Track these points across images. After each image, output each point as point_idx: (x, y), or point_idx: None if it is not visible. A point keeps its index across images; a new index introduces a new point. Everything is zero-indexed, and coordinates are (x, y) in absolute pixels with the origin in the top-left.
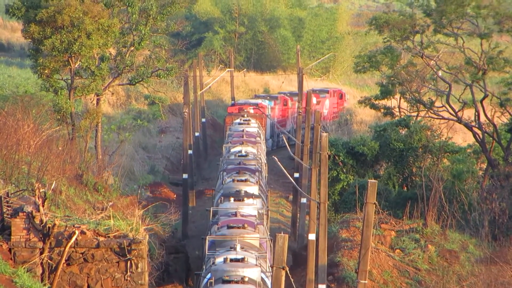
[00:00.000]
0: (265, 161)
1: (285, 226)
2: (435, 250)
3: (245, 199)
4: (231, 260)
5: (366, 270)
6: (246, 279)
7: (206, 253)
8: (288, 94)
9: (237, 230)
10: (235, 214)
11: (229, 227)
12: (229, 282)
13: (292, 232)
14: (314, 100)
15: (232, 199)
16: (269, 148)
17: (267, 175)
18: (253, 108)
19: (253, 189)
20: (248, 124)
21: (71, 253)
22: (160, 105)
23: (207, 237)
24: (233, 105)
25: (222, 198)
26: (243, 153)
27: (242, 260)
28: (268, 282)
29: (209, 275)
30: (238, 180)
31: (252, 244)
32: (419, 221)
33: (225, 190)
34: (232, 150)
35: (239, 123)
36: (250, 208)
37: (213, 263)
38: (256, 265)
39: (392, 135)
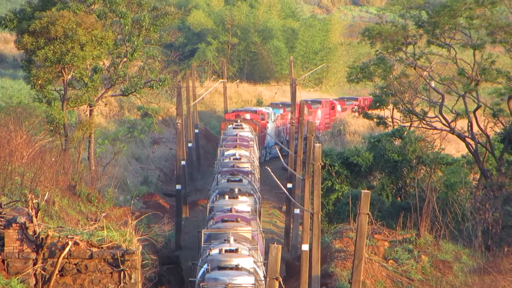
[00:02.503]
0: (258, 164)
1: (279, 236)
2: (428, 260)
3: (239, 196)
4: (226, 251)
5: (359, 280)
6: (240, 267)
7: (202, 245)
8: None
9: (231, 223)
10: (230, 210)
11: (223, 221)
12: (224, 268)
13: (285, 243)
14: (338, 107)
15: (227, 196)
16: (274, 155)
17: (259, 176)
18: (250, 114)
19: (246, 188)
20: (241, 128)
21: (64, 264)
22: (155, 116)
23: (203, 230)
24: (233, 111)
25: (218, 196)
26: (237, 156)
27: (235, 251)
28: (260, 271)
29: (205, 265)
30: (232, 181)
31: (245, 237)
32: (412, 231)
33: (220, 189)
34: (226, 153)
35: (233, 128)
36: (244, 204)
37: (209, 254)
38: (248, 255)
39: (386, 146)
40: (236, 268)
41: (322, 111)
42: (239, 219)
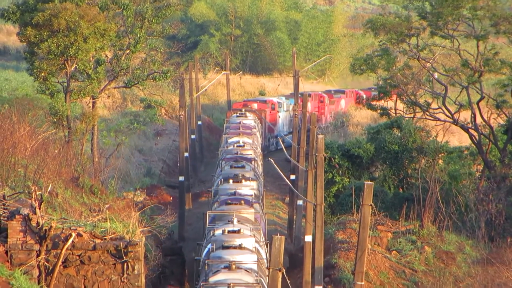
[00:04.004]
0: (260, 151)
1: (282, 228)
2: (431, 251)
3: (243, 181)
4: (229, 231)
5: (362, 271)
6: (243, 246)
7: (207, 226)
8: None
9: (234, 206)
10: (234, 194)
11: (227, 204)
12: (228, 248)
13: (288, 234)
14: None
15: (231, 181)
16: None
17: (262, 162)
18: (258, 104)
19: (249, 174)
20: (245, 117)
21: (67, 256)
22: (158, 108)
23: (208, 212)
24: (244, 101)
25: (222, 180)
26: (240, 143)
27: (238, 231)
28: (262, 250)
29: (209, 245)
30: (235, 167)
31: (247, 218)
32: (415, 222)
33: (224, 175)
34: (230, 140)
35: (237, 116)
36: (247, 188)
37: (213, 234)
38: (250, 235)
39: (386, 138)
40: (239, 247)
41: (345, 100)
42: (242, 202)
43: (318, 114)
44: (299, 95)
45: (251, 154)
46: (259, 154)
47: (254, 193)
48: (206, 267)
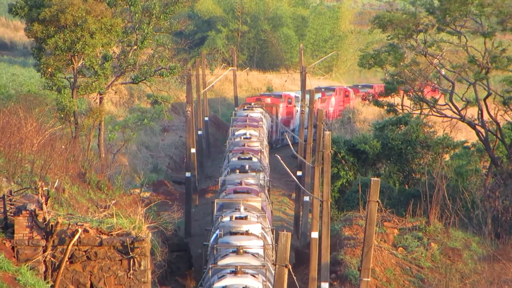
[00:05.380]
0: (267, 143)
1: (288, 224)
2: (438, 248)
3: (249, 171)
4: (236, 218)
5: (369, 268)
6: (250, 232)
7: (215, 213)
8: (323, 90)
9: (241, 194)
10: (240, 183)
11: (235, 192)
12: (235, 233)
13: (295, 230)
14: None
15: (238, 171)
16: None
17: (268, 154)
18: (271, 98)
19: (256, 165)
20: (252, 110)
21: (74, 251)
22: (164, 104)
23: (216, 200)
24: (260, 95)
25: (229, 170)
26: (247, 135)
27: (245, 218)
28: (267, 236)
29: (217, 231)
30: (242, 158)
31: (254, 206)
32: (422, 219)
33: (231, 166)
34: (237, 133)
35: (244, 109)
36: (253, 179)
37: (221, 221)
38: (257, 222)
39: (389, 135)
40: (246, 233)
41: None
42: (249, 191)
43: (343, 108)
44: (322, 90)
45: (257, 146)
46: (265, 146)
47: (260, 183)
48: (214, 251)
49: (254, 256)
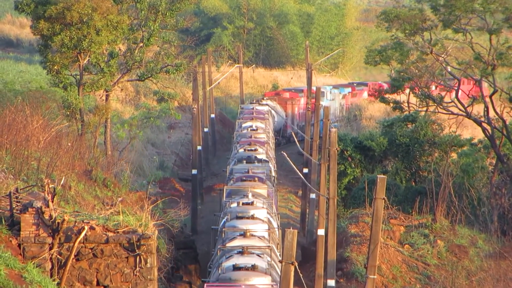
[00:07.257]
0: (273, 135)
1: (294, 221)
2: (444, 245)
3: (256, 162)
4: (243, 203)
5: (375, 265)
6: (255, 216)
7: (224, 199)
8: (355, 84)
9: (249, 182)
10: (248, 172)
11: (242, 180)
12: (241, 218)
13: (301, 228)
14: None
15: (245, 161)
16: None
17: (273, 146)
18: (290, 93)
19: (262, 156)
20: (258, 103)
21: (80, 249)
22: (171, 102)
23: (225, 186)
24: (283, 90)
25: (236, 161)
26: (254, 127)
27: (251, 203)
28: (273, 220)
29: (226, 216)
30: (249, 150)
31: (261, 193)
32: (428, 216)
33: (239, 156)
34: (244, 125)
35: (251, 103)
36: (259, 168)
37: (229, 206)
38: (263, 207)
39: (397, 132)
40: (252, 217)
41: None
42: (256, 179)
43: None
44: (354, 84)
45: (263, 138)
46: (271, 138)
47: (266, 173)
48: (223, 234)
49: (260, 238)
